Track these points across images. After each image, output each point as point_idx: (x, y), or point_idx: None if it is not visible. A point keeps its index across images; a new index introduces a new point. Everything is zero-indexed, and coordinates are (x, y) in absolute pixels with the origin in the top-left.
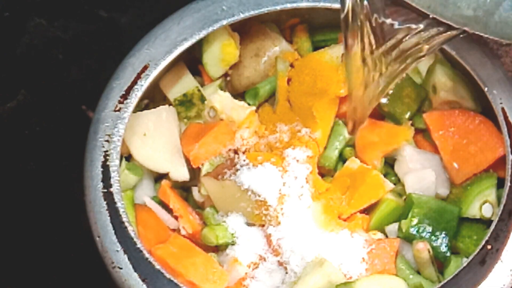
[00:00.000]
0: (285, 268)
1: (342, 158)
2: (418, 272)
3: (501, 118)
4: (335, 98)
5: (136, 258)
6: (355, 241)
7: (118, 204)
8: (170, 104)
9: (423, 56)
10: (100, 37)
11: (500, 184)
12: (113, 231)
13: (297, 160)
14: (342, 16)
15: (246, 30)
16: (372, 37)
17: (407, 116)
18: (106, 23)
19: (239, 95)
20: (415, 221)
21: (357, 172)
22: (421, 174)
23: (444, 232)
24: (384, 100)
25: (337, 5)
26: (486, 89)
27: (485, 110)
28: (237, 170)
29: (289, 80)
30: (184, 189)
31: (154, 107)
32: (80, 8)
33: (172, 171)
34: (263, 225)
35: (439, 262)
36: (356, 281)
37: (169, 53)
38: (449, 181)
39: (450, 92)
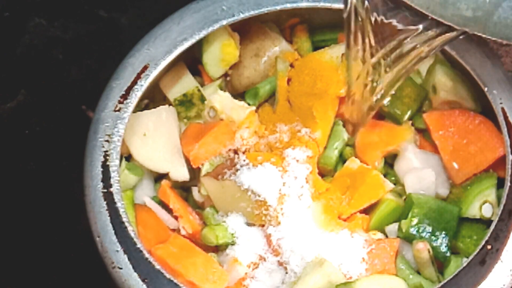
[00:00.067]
0: (285, 268)
1: (342, 158)
2: (418, 272)
3: (501, 118)
4: (335, 98)
5: (136, 258)
6: (355, 241)
7: (118, 204)
8: (170, 104)
9: (424, 58)
10: (100, 37)
11: (500, 184)
12: (113, 231)
13: (297, 160)
14: (345, 16)
15: (246, 30)
16: (372, 39)
17: (407, 116)
18: (106, 23)
19: (239, 95)
20: (415, 221)
21: (357, 172)
22: (421, 174)
23: (444, 232)
24: (384, 101)
25: (337, 5)
26: (486, 89)
27: (485, 110)
28: (237, 170)
29: (289, 80)
30: (184, 189)
31: (154, 107)
32: (80, 8)
33: (172, 171)
34: (263, 225)
35: (439, 262)
36: (356, 281)
37: (169, 53)
38: (449, 181)
39: (450, 92)
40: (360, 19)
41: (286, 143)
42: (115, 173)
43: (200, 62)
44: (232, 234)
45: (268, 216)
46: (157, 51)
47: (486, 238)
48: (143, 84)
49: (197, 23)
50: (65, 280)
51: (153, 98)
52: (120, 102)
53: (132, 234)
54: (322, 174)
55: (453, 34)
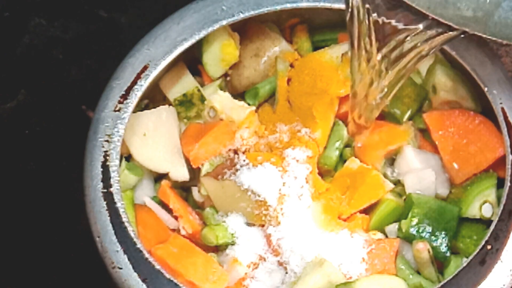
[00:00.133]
0: (285, 268)
1: (342, 158)
2: (418, 272)
3: (501, 118)
4: (335, 98)
5: (136, 258)
6: (355, 241)
7: (118, 204)
8: (170, 104)
9: (425, 56)
10: (100, 37)
11: (500, 184)
12: (113, 231)
13: (297, 160)
14: (347, 17)
15: (246, 30)
16: (374, 38)
17: (407, 116)
18: (106, 23)
19: (239, 95)
20: (415, 221)
21: (357, 172)
22: (421, 174)
23: (444, 232)
24: (387, 100)
25: (337, 5)
26: (486, 89)
27: (485, 110)
28: (237, 170)
29: (289, 80)
30: (184, 189)
31: (154, 107)
32: (80, 8)
33: (172, 171)
34: (263, 225)
35: (439, 262)
36: (356, 281)
37: (169, 53)
38: (449, 181)
39: (450, 92)
40: (361, 19)
41: (286, 143)
42: (115, 173)
43: (200, 62)
44: (232, 234)
45: (268, 216)
46: (157, 51)
47: (486, 238)
48: (143, 84)
49: (197, 23)
50: (65, 280)
51: (153, 98)
52: (120, 102)
53: (132, 234)
54: (322, 174)
55: (453, 33)
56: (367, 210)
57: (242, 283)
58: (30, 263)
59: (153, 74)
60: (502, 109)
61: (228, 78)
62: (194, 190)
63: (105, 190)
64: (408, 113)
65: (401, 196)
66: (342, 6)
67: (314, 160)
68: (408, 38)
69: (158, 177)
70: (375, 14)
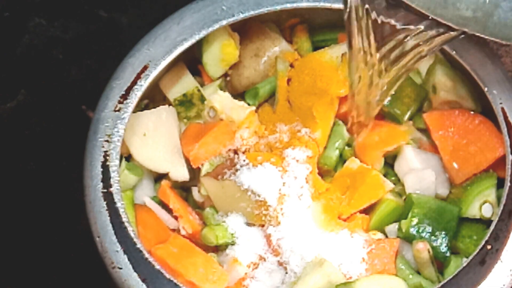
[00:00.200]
0: (285, 268)
1: (342, 158)
2: (418, 272)
3: (501, 118)
4: (335, 98)
5: (136, 258)
6: (355, 241)
7: (118, 204)
8: (170, 104)
9: (424, 56)
10: (100, 37)
11: (500, 184)
12: (113, 231)
13: (297, 160)
14: (345, 17)
15: (246, 30)
16: (372, 38)
17: (407, 116)
18: (106, 23)
19: (239, 95)
20: (415, 221)
21: (357, 172)
22: (421, 174)
23: (444, 232)
24: (386, 100)
25: (337, 5)
26: (486, 89)
27: (485, 110)
28: (237, 170)
29: (289, 80)
30: (184, 189)
31: (154, 107)
32: (80, 8)
33: (172, 171)
34: (263, 225)
35: (439, 262)
36: (356, 281)
37: (169, 53)
38: (449, 181)
39: (450, 92)
40: (360, 19)
41: (286, 143)
42: (115, 173)
43: (200, 62)
44: (232, 234)
45: (268, 216)
46: (157, 51)
47: (486, 238)
48: (143, 84)
49: (197, 23)
50: (65, 280)
51: (153, 98)
52: (120, 102)
53: (132, 234)
54: (322, 174)
55: (453, 34)
56: (367, 210)
57: (242, 283)
58: (30, 263)
59: (153, 74)
60: (502, 109)
61: (228, 78)
62: (194, 190)
63: (105, 190)
64: (408, 113)
65: (401, 196)
66: (342, 6)
67: (314, 160)
68: (408, 38)
69: (158, 177)
70: (374, 14)
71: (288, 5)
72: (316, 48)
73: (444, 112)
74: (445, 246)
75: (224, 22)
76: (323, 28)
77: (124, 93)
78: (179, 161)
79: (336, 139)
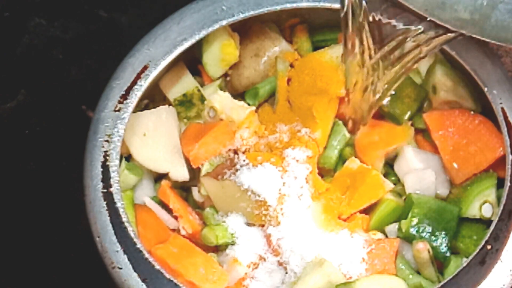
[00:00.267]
0: (285, 268)
1: (342, 158)
2: (418, 272)
3: (501, 118)
4: (335, 98)
5: (136, 258)
6: (355, 241)
7: (118, 204)
8: (170, 104)
9: (422, 57)
10: (100, 37)
11: (500, 184)
12: (113, 231)
13: (297, 160)
14: (342, 16)
15: (246, 30)
16: (370, 39)
17: (407, 116)
18: (106, 23)
19: (239, 95)
20: (415, 221)
21: (357, 172)
22: (421, 174)
23: (444, 232)
24: (384, 101)
25: (337, 5)
26: (486, 89)
27: (485, 110)
28: (237, 170)
29: (289, 80)
30: (184, 189)
31: (154, 107)
32: (80, 8)
33: (172, 171)
34: (263, 225)
35: (439, 262)
36: (356, 281)
37: (169, 53)
38: (449, 181)
39: (450, 92)
40: (357, 19)
41: (286, 143)
42: (115, 173)
43: (200, 62)
44: (232, 234)
45: (268, 216)
46: (157, 51)
47: (486, 238)
48: (143, 84)
49: (197, 23)
50: (65, 280)
51: (153, 98)
52: (120, 102)
53: (132, 234)
54: (322, 174)
55: (451, 35)
56: (367, 210)
57: (242, 283)
58: (30, 263)
59: (153, 74)
60: (502, 109)
61: (228, 78)
62: (194, 190)
63: (105, 190)
64: (408, 113)
65: (401, 196)
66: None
67: (314, 160)
68: (407, 39)
69: (158, 177)
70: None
71: (288, 5)
72: (316, 48)
73: (444, 112)
74: (445, 246)
75: (224, 22)
76: (323, 28)
77: (124, 93)
78: (179, 161)
79: (336, 139)
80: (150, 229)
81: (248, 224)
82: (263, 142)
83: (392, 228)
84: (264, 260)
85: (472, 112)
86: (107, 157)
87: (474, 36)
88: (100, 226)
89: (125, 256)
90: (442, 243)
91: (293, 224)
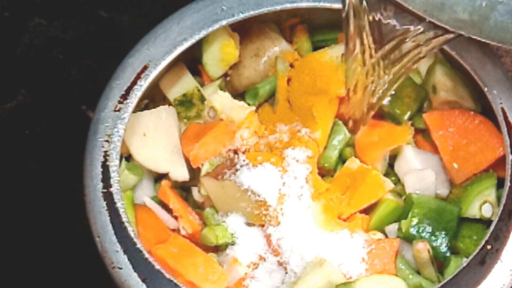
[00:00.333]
0: (285, 268)
1: (342, 158)
2: (418, 272)
3: (501, 118)
4: (335, 98)
5: (136, 258)
6: (355, 241)
7: (118, 204)
8: (170, 104)
9: (422, 57)
10: (100, 37)
11: (500, 184)
12: (113, 231)
13: (297, 160)
14: (344, 16)
15: (246, 30)
16: (371, 39)
17: (407, 116)
18: (106, 23)
19: (239, 95)
20: (415, 221)
21: (357, 172)
22: (421, 174)
23: (444, 232)
24: (384, 101)
25: (337, 5)
26: (486, 89)
27: (485, 110)
28: (237, 170)
29: (289, 80)
30: (184, 189)
31: (154, 107)
32: (80, 8)
33: (172, 171)
34: (263, 225)
35: (439, 262)
36: (356, 281)
37: (169, 53)
38: (449, 181)
39: (450, 92)
40: (358, 19)
41: (286, 143)
42: (115, 173)
43: (200, 62)
44: (232, 234)
45: (268, 216)
46: (157, 51)
47: (486, 238)
48: (143, 84)
49: (197, 23)
50: (65, 280)
51: (153, 98)
52: (120, 102)
53: (132, 234)
54: (322, 174)
55: (450, 36)
56: (367, 210)
57: (242, 283)
58: (30, 263)
59: (153, 74)
60: (502, 109)
61: (228, 78)
62: (194, 190)
63: (105, 190)
64: (408, 113)
65: (401, 196)
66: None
67: (314, 160)
68: (407, 39)
69: (158, 177)
70: (372, 14)
71: (288, 5)
72: (316, 48)
73: (444, 112)
74: (445, 246)
75: (224, 22)
76: (323, 28)
77: (124, 93)
78: (179, 161)
79: (336, 139)
80: (150, 229)
81: (248, 224)
82: (263, 142)
83: (392, 228)
84: (264, 260)
85: (472, 112)
86: (107, 157)
87: (473, 37)
88: (100, 226)
89: (125, 256)
90: (442, 243)
91: (293, 224)
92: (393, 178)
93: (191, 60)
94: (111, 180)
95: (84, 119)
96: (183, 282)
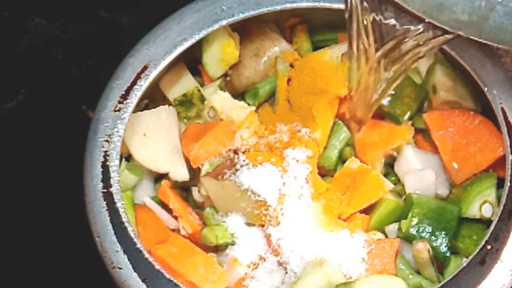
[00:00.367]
0: (285, 268)
1: (342, 158)
2: (418, 272)
3: (501, 118)
4: (335, 98)
5: (136, 258)
6: (355, 241)
7: (118, 204)
8: (170, 104)
9: (422, 57)
10: (100, 37)
11: (500, 184)
12: (113, 231)
13: (297, 160)
14: (346, 16)
15: (246, 30)
16: (372, 38)
17: (407, 116)
18: (106, 23)
19: (239, 95)
20: (415, 221)
21: (357, 172)
22: (421, 174)
23: (444, 232)
24: (384, 101)
25: (337, 5)
26: (486, 89)
27: (485, 110)
28: (237, 170)
29: (289, 80)
30: (184, 189)
31: (154, 107)
32: (80, 8)
33: (172, 171)
34: (263, 225)
35: (439, 262)
36: (356, 281)
37: (169, 53)
38: (449, 181)
39: (450, 92)
40: (359, 19)
41: (286, 143)
42: (115, 173)
43: (200, 62)
44: (232, 234)
45: (268, 216)
46: (157, 51)
47: (486, 238)
48: (143, 84)
49: (197, 23)
50: (65, 280)
51: (153, 98)
52: (120, 102)
53: (132, 234)
54: (322, 174)
55: (449, 36)
56: (367, 210)
57: (242, 283)
58: (30, 263)
59: (153, 74)
60: (502, 109)
61: (228, 78)
62: (194, 190)
63: (105, 190)
64: (408, 113)
65: (401, 196)
66: (342, 6)
67: (314, 160)
68: (407, 39)
69: (158, 177)
70: (373, 14)
71: (288, 5)
72: (316, 48)
73: (444, 112)
74: (445, 246)
75: (224, 22)
76: (323, 28)
77: (124, 93)
78: (179, 161)
79: (336, 139)
80: (150, 229)
81: (248, 224)
82: (263, 142)
83: (392, 228)
84: (264, 260)
85: (472, 112)
86: (107, 157)
87: (472, 38)
88: (100, 226)
89: (125, 256)
90: (442, 243)
91: (293, 224)
92: (393, 178)
93: (191, 60)
94: (111, 180)
95: (84, 119)
96: (183, 282)
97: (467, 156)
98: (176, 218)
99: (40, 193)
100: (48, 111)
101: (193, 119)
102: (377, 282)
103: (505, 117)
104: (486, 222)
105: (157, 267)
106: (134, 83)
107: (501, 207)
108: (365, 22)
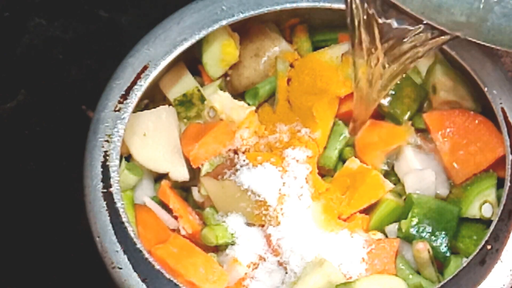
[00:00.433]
0: (285, 268)
1: (342, 158)
2: (418, 272)
3: (501, 118)
4: (335, 98)
5: (136, 258)
6: (355, 241)
7: (118, 204)
8: (170, 104)
9: (420, 57)
10: (100, 37)
11: (500, 184)
12: (113, 231)
13: (297, 160)
14: (348, 16)
15: (246, 30)
16: (372, 38)
17: (407, 116)
18: (106, 23)
19: (239, 95)
20: (415, 221)
21: (357, 172)
22: (421, 174)
23: (444, 232)
24: (384, 101)
25: (337, 5)
26: (486, 89)
27: (485, 110)
28: (237, 170)
29: (289, 80)
30: (184, 189)
31: (154, 107)
32: (80, 8)
33: (172, 171)
34: (263, 225)
35: (439, 262)
36: (356, 281)
37: (169, 53)
38: (449, 181)
39: (450, 92)
40: (359, 19)
41: (286, 143)
42: (115, 173)
43: (200, 62)
44: (232, 234)
45: (268, 216)
46: (157, 51)
47: (486, 238)
48: (143, 84)
49: (197, 23)
50: (65, 280)
51: (153, 98)
52: (120, 102)
53: (132, 234)
54: (322, 174)
55: (447, 37)
56: (367, 210)
57: (242, 283)
58: (30, 263)
59: (153, 74)
60: (502, 109)
61: (228, 78)
62: (194, 190)
63: (105, 190)
64: (408, 113)
65: (401, 196)
66: (342, 6)
67: (314, 160)
68: (406, 38)
69: (158, 177)
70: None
71: (288, 5)
72: (316, 48)
73: (444, 112)
74: (445, 246)
75: (224, 22)
76: (323, 28)
77: (124, 93)
78: (179, 161)
79: (336, 139)
80: (150, 229)
81: (248, 224)
82: (263, 142)
83: (392, 228)
84: (264, 260)
85: (472, 112)
86: (107, 157)
87: (470, 39)
88: (100, 226)
89: (125, 256)
90: (442, 243)
91: (293, 224)
92: (393, 178)
93: (191, 60)
94: (111, 180)
95: (84, 119)
96: (183, 282)
97: (467, 156)
98: (176, 218)
99: (40, 193)
100: (48, 111)
101: (193, 119)
102: (377, 282)
103: (505, 117)
104: (486, 222)
105: (157, 267)
106: (134, 83)
107: (501, 207)
108: (365, 22)
